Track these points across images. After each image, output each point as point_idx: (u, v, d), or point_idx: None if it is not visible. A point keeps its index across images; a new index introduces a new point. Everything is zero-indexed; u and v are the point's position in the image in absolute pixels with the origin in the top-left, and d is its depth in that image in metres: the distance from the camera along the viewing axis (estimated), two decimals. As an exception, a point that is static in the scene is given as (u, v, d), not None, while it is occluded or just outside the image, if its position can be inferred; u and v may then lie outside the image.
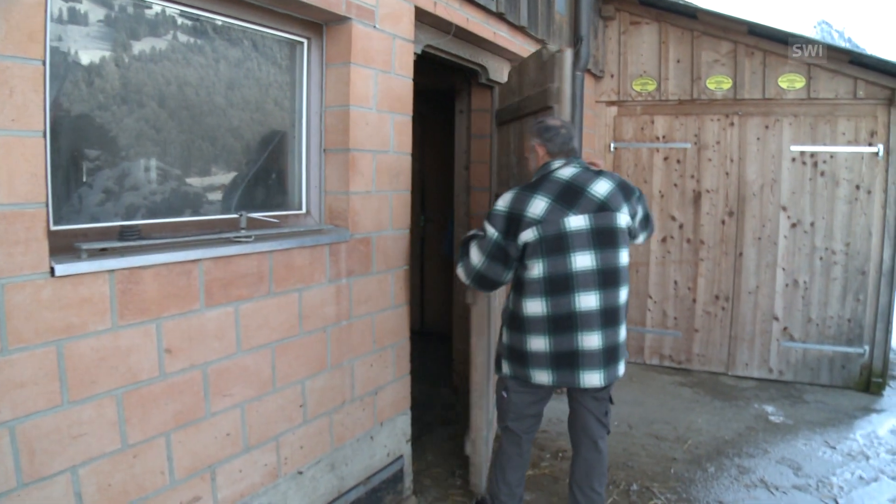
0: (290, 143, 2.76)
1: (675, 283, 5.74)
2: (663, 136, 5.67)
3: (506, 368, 2.68)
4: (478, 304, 3.35)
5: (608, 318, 2.48)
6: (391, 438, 3.19)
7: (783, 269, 5.39)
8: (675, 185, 5.66)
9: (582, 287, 2.44)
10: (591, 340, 2.46)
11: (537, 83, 3.11)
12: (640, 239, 2.79)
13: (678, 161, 5.64)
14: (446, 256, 5.91)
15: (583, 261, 2.43)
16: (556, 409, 2.93)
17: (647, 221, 2.78)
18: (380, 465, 3.11)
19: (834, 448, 4.11)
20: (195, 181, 2.42)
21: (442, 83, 4.84)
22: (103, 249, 1.89)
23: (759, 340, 5.51)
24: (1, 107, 1.59)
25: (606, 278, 2.47)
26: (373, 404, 3.03)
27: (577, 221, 2.44)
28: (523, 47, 4.30)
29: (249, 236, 2.34)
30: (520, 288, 2.55)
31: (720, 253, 5.58)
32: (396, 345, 3.17)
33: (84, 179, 2.04)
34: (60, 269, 1.72)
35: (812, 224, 5.27)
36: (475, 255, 2.59)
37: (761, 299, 5.48)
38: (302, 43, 2.71)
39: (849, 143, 5.12)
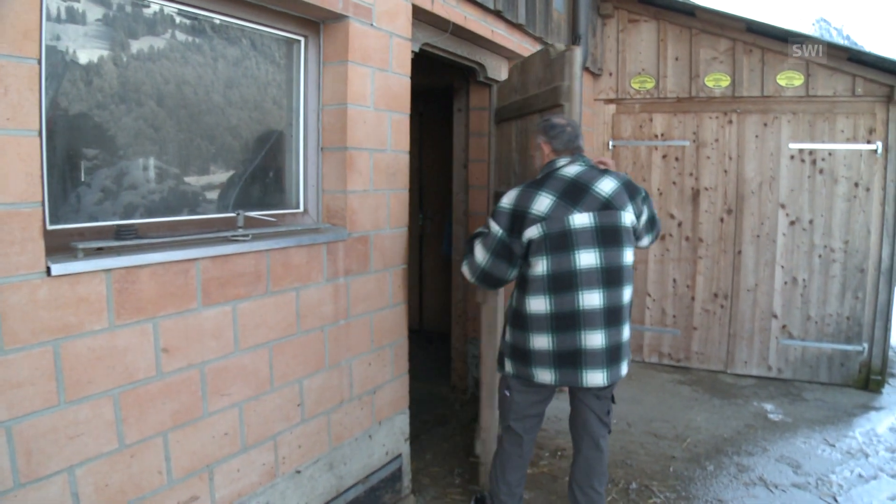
0: (288, 142, 2.76)
1: (674, 281, 5.74)
2: (662, 134, 5.67)
3: (508, 367, 2.67)
4: (488, 303, 3.35)
5: (612, 316, 2.48)
6: (389, 437, 3.18)
7: (782, 266, 5.39)
8: (674, 182, 5.66)
9: (586, 285, 2.43)
10: (595, 339, 2.46)
11: (544, 81, 3.11)
12: (645, 241, 2.77)
13: (677, 159, 5.63)
14: (445, 255, 5.90)
15: (587, 259, 2.43)
16: (556, 407, 2.93)
17: (652, 223, 2.75)
18: (378, 464, 3.10)
19: (833, 446, 4.11)
20: (193, 180, 2.41)
21: (440, 81, 4.84)
22: (100, 249, 1.88)
23: (758, 338, 5.51)
24: (-4, 106, 1.58)
25: (610, 277, 2.46)
26: (371, 403, 3.03)
27: (581, 219, 2.43)
28: (521, 45, 4.30)
29: (247, 235, 2.34)
30: (523, 285, 2.55)
31: (719, 251, 5.58)
32: (394, 344, 3.16)
33: (81, 179, 2.04)
34: (57, 269, 1.72)
35: (811, 222, 5.27)
36: (479, 253, 2.59)
37: (760, 297, 5.48)
38: (299, 41, 2.71)
39: (847, 140, 5.12)
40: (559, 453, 3.94)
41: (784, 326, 5.42)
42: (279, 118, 2.72)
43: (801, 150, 5.25)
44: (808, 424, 4.47)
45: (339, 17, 2.67)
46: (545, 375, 2.54)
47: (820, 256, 5.27)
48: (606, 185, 2.51)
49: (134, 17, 2.13)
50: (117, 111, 2.10)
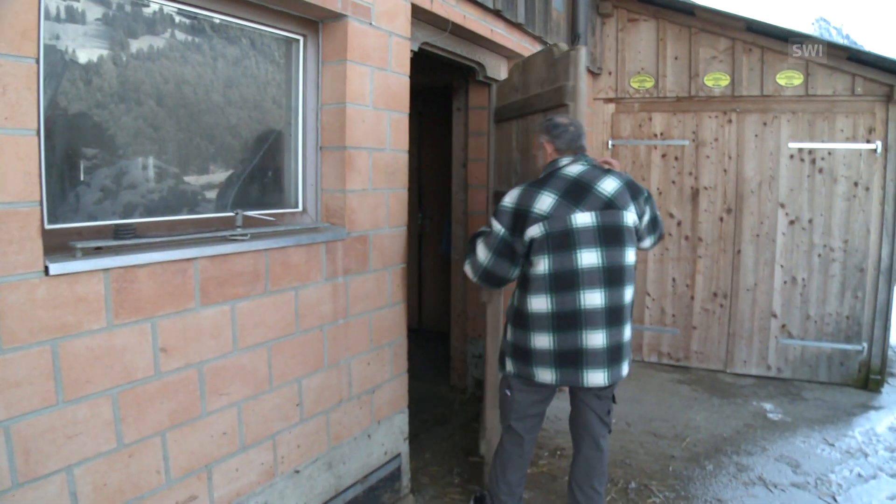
0: (287, 141, 2.76)
1: (674, 280, 5.74)
2: (661, 133, 5.67)
3: (509, 366, 2.67)
4: (493, 303, 3.35)
5: (613, 316, 2.47)
6: (389, 437, 3.18)
7: (781, 266, 5.39)
8: (673, 182, 5.66)
9: (587, 284, 2.43)
10: (596, 339, 2.45)
11: (547, 81, 3.11)
12: (647, 243, 2.75)
13: (676, 158, 5.63)
14: (444, 254, 5.90)
15: (589, 258, 2.43)
16: (555, 406, 2.93)
17: (654, 225, 2.73)
18: (377, 463, 3.10)
19: (832, 445, 4.11)
20: (191, 179, 2.41)
21: (439, 80, 4.84)
22: (98, 248, 1.88)
23: (758, 338, 5.51)
24: (-7, 105, 1.58)
25: (612, 276, 2.46)
26: (370, 403, 3.03)
27: (583, 218, 2.43)
28: (521, 44, 4.30)
29: (245, 234, 2.34)
30: (525, 284, 2.55)
31: (718, 250, 5.58)
32: (394, 343, 3.16)
33: (80, 178, 2.04)
34: (55, 268, 1.72)
35: (810, 221, 5.27)
36: (482, 252, 2.59)
37: (760, 296, 5.48)
38: (298, 40, 2.70)
39: (847, 139, 5.12)
40: (558, 453, 3.94)
41: (783, 326, 5.42)
42: (278, 117, 2.71)
43: (800, 150, 5.25)
44: (808, 424, 4.47)
45: (337, 17, 2.67)
46: (546, 375, 2.54)
47: (819, 256, 5.27)
48: (609, 185, 2.50)
49: (133, 16, 2.13)
50: (117, 110, 2.10)
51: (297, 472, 2.62)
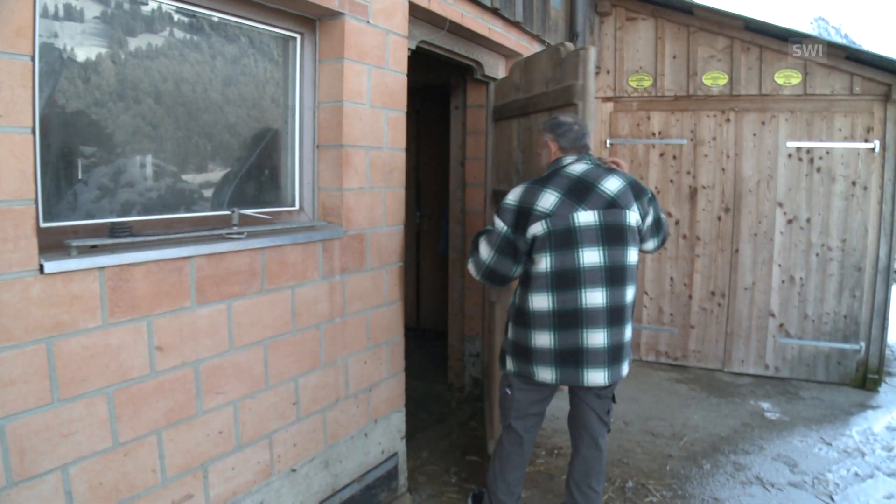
0: (284, 139, 2.75)
1: (671, 279, 5.74)
2: (659, 132, 5.66)
3: (510, 365, 2.67)
4: (501, 302, 3.35)
5: (614, 316, 2.47)
6: (385, 436, 3.18)
7: (779, 265, 5.39)
8: (671, 181, 5.66)
9: (589, 283, 2.43)
10: (597, 338, 2.45)
11: (553, 80, 3.10)
12: (651, 245, 2.73)
13: (674, 157, 5.63)
14: (442, 253, 5.90)
15: (591, 257, 2.43)
16: (553, 405, 2.92)
17: (658, 227, 2.71)
18: (374, 462, 3.10)
19: (830, 445, 4.11)
20: (188, 178, 2.40)
21: (437, 79, 4.83)
22: (93, 247, 1.87)
23: (756, 337, 5.51)
24: (-13, 102, 1.57)
25: (613, 275, 2.45)
26: (367, 401, 3.02)
27: (586, 217, 2.43)
28: (519, 43, 4.29)
29: (242, 233, 2.33)
30: (527, 282, 2.55)
31: (716, 249, 5.58)
32: (391, 342, 3.16)
33: (75, 176, 2.03)
34: (50, 267, 1.71)
35: (808, 220, 5.27)
36: (484, 250, 2.59)
37: (757, 296, 5.48)
38: (295, 38, 2.70)
39: (845, 139, 5.12)
40: (556, 452, 3.94)
41: (781, 325, 5.42)
42: (275, 116, 2.71)
43: (798, 149, 5.25)
44: (805, 423, 4.47)
45: (335, 15, 2.67)
46: (546, 374, 2.53)
47: (817, 255, 5.27)
48: (612, 184, 2.50)
49: (132, 14, 2.13)
50: (115, 109, 2.10)
51: (294, 470, 2.61)
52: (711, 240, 5.58)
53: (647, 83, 5.66)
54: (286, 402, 2.56)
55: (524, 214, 2.47)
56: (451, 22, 3.46)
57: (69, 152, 1.99)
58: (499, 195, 3.63)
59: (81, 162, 2.04)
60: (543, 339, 2.50)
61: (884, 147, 5.02)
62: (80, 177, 2.03)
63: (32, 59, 1.67)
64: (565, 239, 2.42)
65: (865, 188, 5.09)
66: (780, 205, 5.33)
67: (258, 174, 2.65)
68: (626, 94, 5.75)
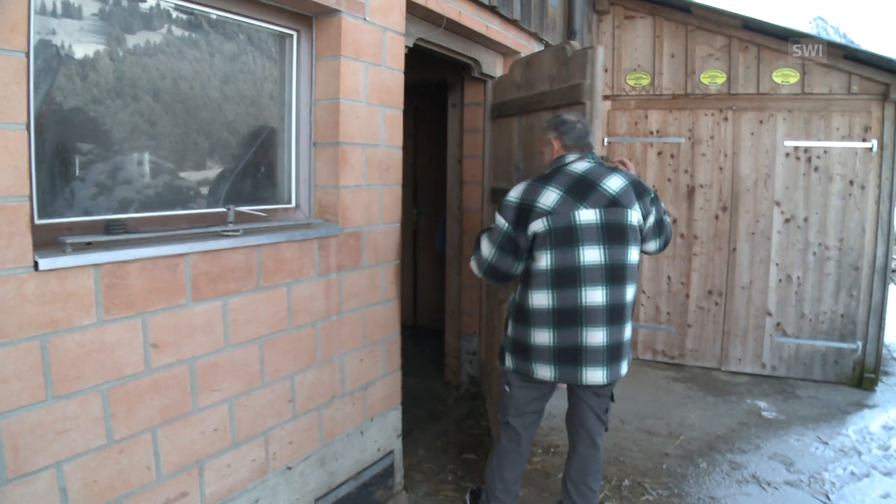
0: (280, 137, 2.74)
1: (669, 278, 5.74)
2: (657, 131, 5.66)
3: (509, 362, 2.67)
4: (508, 301, 3.35)
5: (613, 314, 2.47)
6: (382, 434, 3.18)
7: (777, 264, 5.39)
8: (669, 179, 5.66)
9: (589, 282, 2.43)
10: (596, 337, 2.45)
11: (559, 79, 3.10)
12: (652, 246, 2.72)
13: (672, 156, 5.63)
14: (439, 251, 5.89)
15: (591, 255, 2.42)
16: (550, 404, 2.92)
17: (660, 228, 2.70)
18: (370, 460, 3.10)
19: (826, 444, 4.11)
20: (185, 175, 2.40)
21: (434, 77, 4.82)
22: (88, 244, 1.87)
23: (752, 336, 5.51)
24: (-19, 99, 1.57)
25: (614, 274, 2.45)
26: (363, 399, 3.02)
27: (587, 215, 2.43)
28: (517, 41, 4.29)
29: (237, 230, 2.33)
30: (527, 280, 2.55)
31: (713, 248, 5.58)
32: (387, 339, 3.16)
33: (71, 173, 2.02)
34: (44, 264, 1.71)
35: (806, 219, 5.27)
36: (486, 247, 2.59)
37: (754, 294, 5.48)
38: (292, 36, 2.69)
39: (843, 138, 5.12)
40: (552, 450, 3.94)
41: (778, 324, 5.43)
42: (271, 113, 2.70)
43: (796, 148, 5.25)
44: (802, 422, 4.48)
45: (331, 12, 2.66)
46: (545, 371, 2.53)
47: (815, 254, 5.27)
48: (614, 183, 2.50)
49: (130, 11, 2.12)
50: (113, 106, 2.09)
51: (290, 468, 2.61)
52: (709, 239, 5.58)
53: (645, 82, 5.66)
54: (282, 400, 2.55)
55: (525, 211, 2.47)
56: (449, 19, 3.46)
57: (66, 149, 1.99)
58: (497, 193, 3.63)
59: (78, 159, 2.04)
60: (543, 337, 2.50)
61: (881, 146, 5.02)
62: (76, 174, 2.03)
63: (27, 55, 1.67)
64: (566, 237, 2.42)
65: (863, 187, 5.09)
66: (778, 204, 5.34)
67: (255, 171, 2.65)
68: (623, 92, 5.75)
